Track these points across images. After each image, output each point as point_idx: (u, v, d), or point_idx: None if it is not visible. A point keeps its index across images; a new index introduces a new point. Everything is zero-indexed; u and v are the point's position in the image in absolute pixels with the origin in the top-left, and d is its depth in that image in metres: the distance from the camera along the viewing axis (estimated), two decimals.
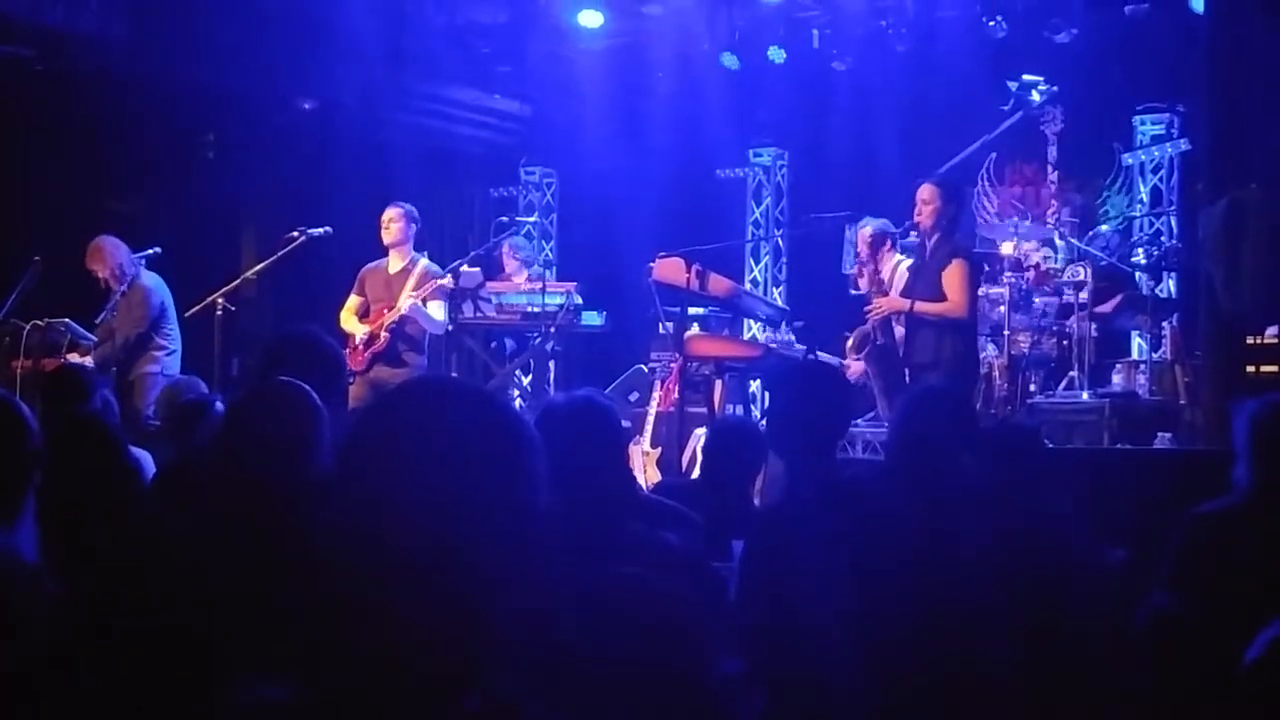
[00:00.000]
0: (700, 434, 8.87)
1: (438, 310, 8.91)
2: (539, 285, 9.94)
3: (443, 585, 1.48)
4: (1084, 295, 9.45)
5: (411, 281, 8.80)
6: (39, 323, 8.65)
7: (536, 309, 9.80)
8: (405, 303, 8.69)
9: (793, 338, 10.31)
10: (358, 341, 8.74)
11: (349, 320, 8.90)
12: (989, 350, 9.36)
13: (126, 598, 2.77)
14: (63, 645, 2.67)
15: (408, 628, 1.48)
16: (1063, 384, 9.55)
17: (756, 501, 5.36)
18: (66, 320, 8.92)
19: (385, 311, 8.78)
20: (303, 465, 3.28)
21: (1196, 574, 4.16)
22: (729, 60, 11.98)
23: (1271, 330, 7.66)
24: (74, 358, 8.62)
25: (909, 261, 8.39)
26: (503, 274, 10.64)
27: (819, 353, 9.13)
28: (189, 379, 7.07)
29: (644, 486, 7.08)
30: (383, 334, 8.73)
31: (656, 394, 9.75)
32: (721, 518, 4.37)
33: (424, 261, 8.98)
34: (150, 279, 9.04)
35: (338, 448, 1.64)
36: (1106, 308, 9.84)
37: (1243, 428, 4.25)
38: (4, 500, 3.06)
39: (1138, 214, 11.53)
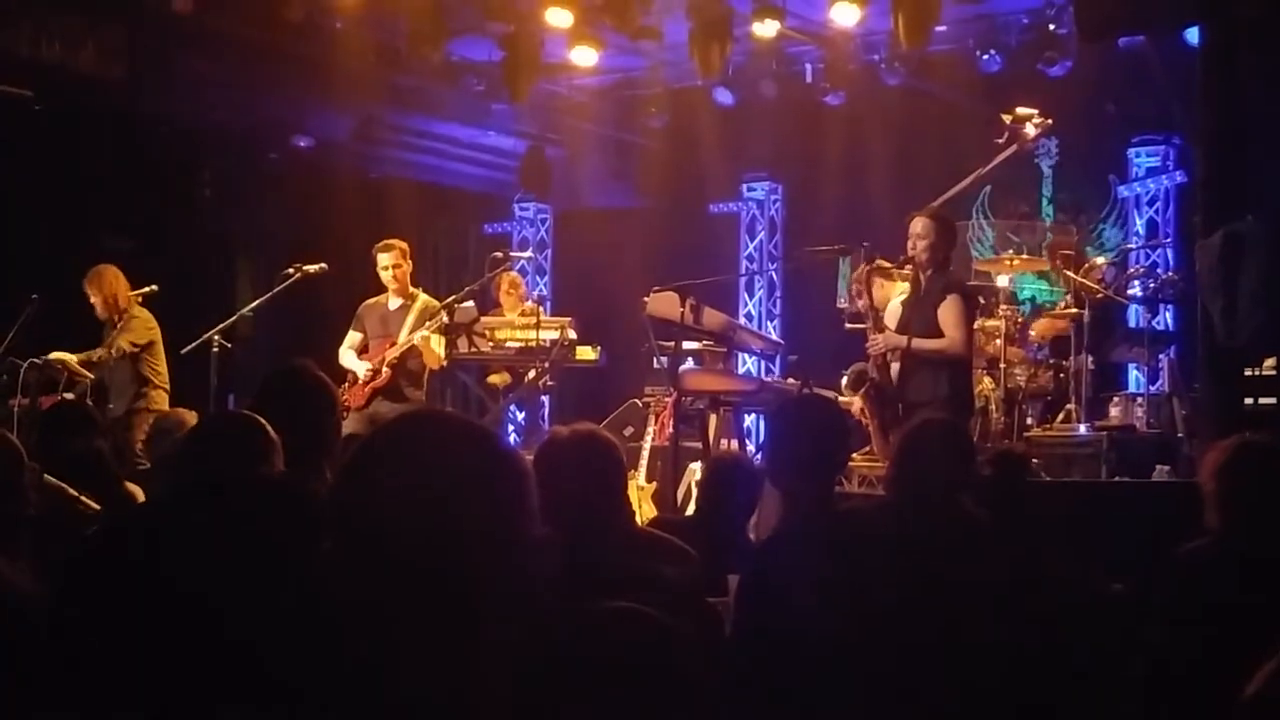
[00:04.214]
0: (695, 469, 8.86)
1: (436, 345, 8.91)
2: (533, 321, 9.92)
3: (437, 615, 1.47)
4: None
5: (412, 318, 8.80)
6: (36, 360, 8.62)
7: (531, 344, 9.77)
8: (416, 335, 8.67)
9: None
10: (361, 378, 8.75)
11: (347, 357, 8.90)
12: (985, 383, 9.34)
13: (118, 627, 2.76)
14: (56, 673, 2.65)
15: (401, 656, 1.47)
16: (1060, 417, 9.54)
17: (753, 536, 5.36)
18: (64, 358, 8.90)
19: (387, 347, 8.76)
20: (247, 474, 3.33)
21: (1184, 612, 4.15)
22: (722, 95, 12.02)
23: (1269, 363, 7.64)
24: (70, 396, 8.60)
25: (902, 293, 8.31)
26: (496, 308, 10.63)
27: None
28: (176, 414, 7.02)
29: (640, 521, 7.05)
30: (385, 369, 8.73)
31: (651, 429, 9.73)
32: (717, 552, 4.36)
33: (422, 297, 8.99)
34: (141, 313, 9.12)
35: (334, 480, 1.63)
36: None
37: (1207, 475, 4.25)
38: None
39: (1133, 246, 11.55)
